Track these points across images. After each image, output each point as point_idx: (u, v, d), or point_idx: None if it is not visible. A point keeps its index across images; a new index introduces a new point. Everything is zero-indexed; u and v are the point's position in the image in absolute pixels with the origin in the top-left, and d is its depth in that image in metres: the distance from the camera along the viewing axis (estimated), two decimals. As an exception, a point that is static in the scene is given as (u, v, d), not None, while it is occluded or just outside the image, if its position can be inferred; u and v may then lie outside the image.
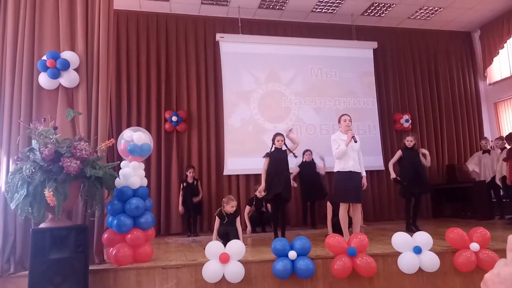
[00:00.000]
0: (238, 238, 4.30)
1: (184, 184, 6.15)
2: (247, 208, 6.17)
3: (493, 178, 6.61)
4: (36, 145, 3.10)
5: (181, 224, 6.47)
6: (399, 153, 5.47)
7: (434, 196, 7.62)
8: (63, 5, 3.98)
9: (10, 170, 3.35)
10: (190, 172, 6.17)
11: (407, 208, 5.53)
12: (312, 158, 6.63)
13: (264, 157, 4.95)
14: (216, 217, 4.67)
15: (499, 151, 6.59)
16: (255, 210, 6.13)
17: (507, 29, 7.62)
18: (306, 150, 6.60)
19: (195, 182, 6.23)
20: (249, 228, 5.99)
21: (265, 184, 4.81)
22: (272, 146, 4.96)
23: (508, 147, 6.12)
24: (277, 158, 4.86)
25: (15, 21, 3.89)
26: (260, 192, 4.71)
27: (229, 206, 4.59)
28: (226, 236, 4.42)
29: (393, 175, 5.39)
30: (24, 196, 2.95)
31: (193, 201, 6.11)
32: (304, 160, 6.58)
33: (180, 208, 6.10)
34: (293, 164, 6.13)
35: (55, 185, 2.98)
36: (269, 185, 4.81)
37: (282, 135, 4.98)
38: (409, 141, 5.41)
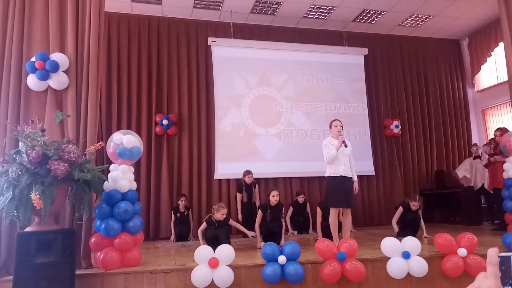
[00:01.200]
0: (229, 242, 4.28)
1: (178, 215, 5.99)
2: (238, 195, 6.08)
3: (484, 184, 6.69)
4: (23, 147, 3.06)
5: (170, 228, 6.41)
6: (400, 211, 5.33)
7: (422, 202, 7.68)
8: (53, 6, 3.94)
9: (-4, 172, 3.28)
10: (182, 201, 6.00)
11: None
12: (305, 200, 6.50)
13: (259, 209, 4.97)
14: (204, 222, 4.64)
15: (487, 157, 6.68)
16: (247, 196, 6.02)
17: (494, 38, 7.76)
18: (300, 193, 6.51)
19: (186, 211, 6.06)
20: (240, 215, 5.94)
21: (260, 237, 4.81)
22: (268, 203, 4.88)
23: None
24: (272, 218, 4.84)
25: (4, 21, 3.84)
26: (259, 246, 4.72)
27: (219, 214, 4.56)
28: (215, 239, 4.39)
29: (396, 229, 5.26)
30: (10, 199, 2.90)
31: (183, 231, 5.97)
32: (296, 200, 6.50)
33: (173, 237, 5.94)
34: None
35: (42, 188, 2.94)
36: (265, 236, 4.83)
37: (276, 190, 4.95)
38: (415, 205, 5.25)
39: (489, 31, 7.91)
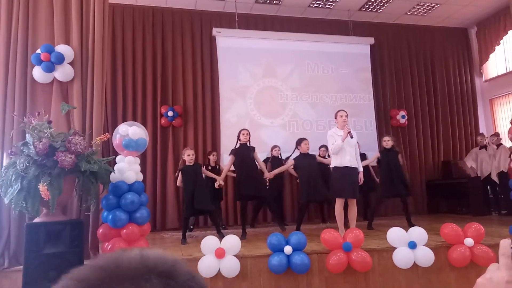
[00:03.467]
0: (207, 198, 4.54)
1: (209, 168, 5.90)
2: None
3: (490, 174, 6.63)
4: (30, 139, 3.07)
5: (177, 219, 6.47)
6: (376, 155, 5.46)
7: (429, 192, 7.67)
8: (58, -3, 3.93)
9: (4, 164, 3.32)
10: (213, 155, 6.03)
11: (376, 207, 5.58)
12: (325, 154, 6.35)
13: (229, 154, 4.98)
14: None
15: (495, 147, 6.62)
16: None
17: (503, 25, 7.63)
18: (275, 146, 6.32)
19: (218, 166, 6.05)
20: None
21: (224, 176, 4.95)
22: (237, 142, 4.95)
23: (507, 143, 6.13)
24: (243, 156, 4.84)
25: (9, 13, 3.84)
26: (219, 182, 4.77)
27: (185, 156, 4.62)
28: (193, 196, 4.52)
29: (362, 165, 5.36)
30: (18, 190, 2.93)
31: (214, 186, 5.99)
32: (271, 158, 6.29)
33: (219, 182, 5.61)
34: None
35: (49, 180, 2.96)
36: (241, 186, 4.81)
37: (247, 129, 5.00)
38: (386, 141, 5.34)
39: (498, 19, 7.77)
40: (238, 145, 4.94)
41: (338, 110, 4.59)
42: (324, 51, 7.59)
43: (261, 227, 6.11)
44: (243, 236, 4.64)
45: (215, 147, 6.97)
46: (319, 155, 6.37)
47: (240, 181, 4.83)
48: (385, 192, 5.36)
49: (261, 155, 6.73)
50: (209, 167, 5.99)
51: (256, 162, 4.94)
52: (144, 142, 3.86)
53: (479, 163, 6.90)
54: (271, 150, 6.21)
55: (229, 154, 4.95)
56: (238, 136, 4.95)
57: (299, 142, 5.09)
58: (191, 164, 4.66)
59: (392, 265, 3.57)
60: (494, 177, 6.51)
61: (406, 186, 5.37)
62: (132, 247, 0.51)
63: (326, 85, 7.53)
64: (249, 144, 4.94)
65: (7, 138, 3.58)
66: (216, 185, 4.79)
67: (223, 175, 4.92)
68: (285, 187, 6.86)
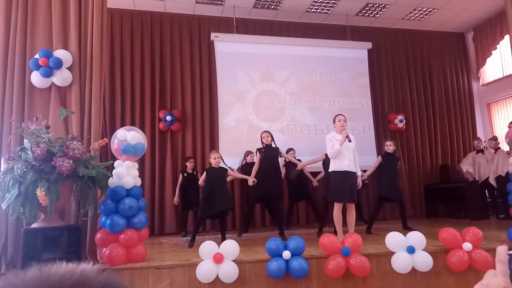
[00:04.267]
0: (228, 199, 4.54)
1: (185, 174, 6.04)
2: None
3: (488, 178, 6.65)
4: (28, 144, 3.07)
5: (175, 224, 6.45)
6: (379, 159, 5.56)
7: (427, 196, 7.68)
8: (56, 2, 3.94)
9: (2, 169, 3.31)
10: (190, 162, 6.10)
11: (375, 211, 5.64)
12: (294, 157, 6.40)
13: (257, 151, 5.06)
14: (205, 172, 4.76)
15: (493, 151, 6.64)
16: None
17: (500, 30, 7.68)
18: (290, 149, 6.34)
19: (195, 172, 6.15)
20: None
21: (255, 174, 4.89)
22: (263, 144, 5.03)
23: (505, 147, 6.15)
24: (268, 158, 4.91)
25: (7, 18, 3.85)
26: (251, 179, 4.78)
27: (212, 159, 4.66)
28: (212, 197, 4.50)
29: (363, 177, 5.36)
30: (16, 195, 2.92)
31: (191, 192, 5.94)
32: (288, 160, 6.40)
33: (175, 199, 5.99)
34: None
35: (47, 185, 2.96)
36: (256, 187, 4.83)
37: (267, 131, 5.08)
38: (389, 145, 5.47)
39: (494, 24, 7.83)
40: (264, 146, 5.02)
41: (336, 114, 4.60)
42: (322, 55, 7.62)
43: (260, 232, 6.09)
44: (240, 233, 4.66)
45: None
46: (289, 160, 6.36)
47: (257, 181, 4.83)
48: (386, 195, 5.45)
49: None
50: (185, 174, 6.02)
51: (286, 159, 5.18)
52: (142, 147, 3.86)
53: (477, 167, 6.92)
54: (245, 156, 6.14)
55: (257, 153, 5.04)
56: (261, 139, 5.04)
57: None
58: (217, 166, 4.74)
59: (391, 270, 3.57)
60: (492, 181, 6.52)
61: (400, 190, 5.60)
62: (31, 267, 0.46)
63: (324, 89, 7.55)
64: (274, 144, 5.04)
65: (5, 143, 3.58)
66: (250, 182, 4.82)
67: (253, 173, 4.93)
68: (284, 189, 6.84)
